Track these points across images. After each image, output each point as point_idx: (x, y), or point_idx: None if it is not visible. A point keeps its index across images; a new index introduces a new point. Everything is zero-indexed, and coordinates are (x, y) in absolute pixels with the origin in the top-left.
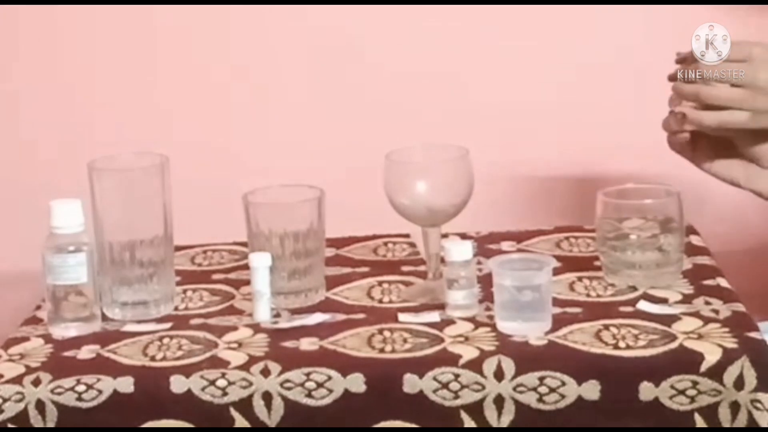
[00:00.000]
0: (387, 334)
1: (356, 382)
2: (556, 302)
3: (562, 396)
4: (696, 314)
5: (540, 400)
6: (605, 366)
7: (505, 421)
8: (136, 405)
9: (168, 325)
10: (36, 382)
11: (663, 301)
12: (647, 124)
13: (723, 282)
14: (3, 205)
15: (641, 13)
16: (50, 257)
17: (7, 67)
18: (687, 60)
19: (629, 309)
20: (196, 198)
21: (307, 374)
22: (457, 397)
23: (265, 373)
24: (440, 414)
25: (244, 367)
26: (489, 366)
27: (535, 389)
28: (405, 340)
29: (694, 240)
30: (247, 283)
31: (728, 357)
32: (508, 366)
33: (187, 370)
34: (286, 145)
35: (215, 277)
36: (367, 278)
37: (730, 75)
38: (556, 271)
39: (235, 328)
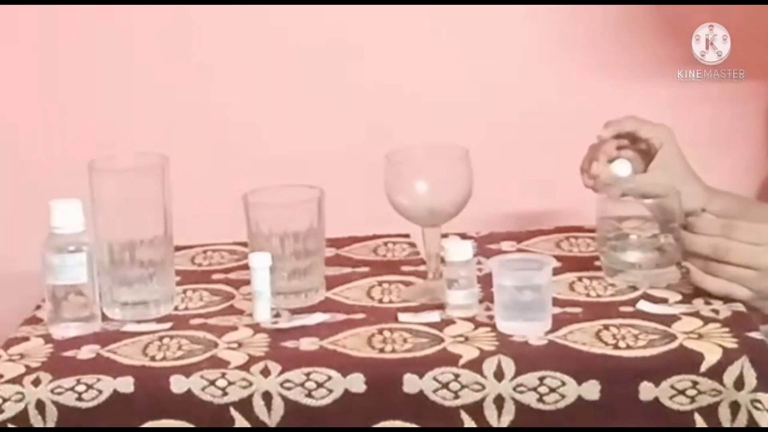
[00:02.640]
0: (387, 334)
1: (356, 382)
2: (556, 302)
3: (562, 396)
4: (696, 314)
5: (540, 400)
6: (605, 366)
7: (505, 421)
8: (136, 405)
9: (168, 325)
10: (36, 382)
11: (663, 301)
12: None
13: None
14: (3, 205)
15: (641, 13)
16: (50, 257)
17: (7, 66)
18: (700, 231)
19: (629, 309)
20: (196, 198)
21: (307, 374)
22: (457, 397)
23: (265, 373)
24: (440, 414)
25: (244, 367)
26: (489, 366)
27: (535, 389)
28: (405, 340)
29: None
30: (247, 283)
31: (728, 357)
32: (508, 366)
33: (187, 370)
34: (286, 145)
35: (215, 277)
36: (367, 278)
37: (747, 260)
38: (556, 271)
39: (235, 328)
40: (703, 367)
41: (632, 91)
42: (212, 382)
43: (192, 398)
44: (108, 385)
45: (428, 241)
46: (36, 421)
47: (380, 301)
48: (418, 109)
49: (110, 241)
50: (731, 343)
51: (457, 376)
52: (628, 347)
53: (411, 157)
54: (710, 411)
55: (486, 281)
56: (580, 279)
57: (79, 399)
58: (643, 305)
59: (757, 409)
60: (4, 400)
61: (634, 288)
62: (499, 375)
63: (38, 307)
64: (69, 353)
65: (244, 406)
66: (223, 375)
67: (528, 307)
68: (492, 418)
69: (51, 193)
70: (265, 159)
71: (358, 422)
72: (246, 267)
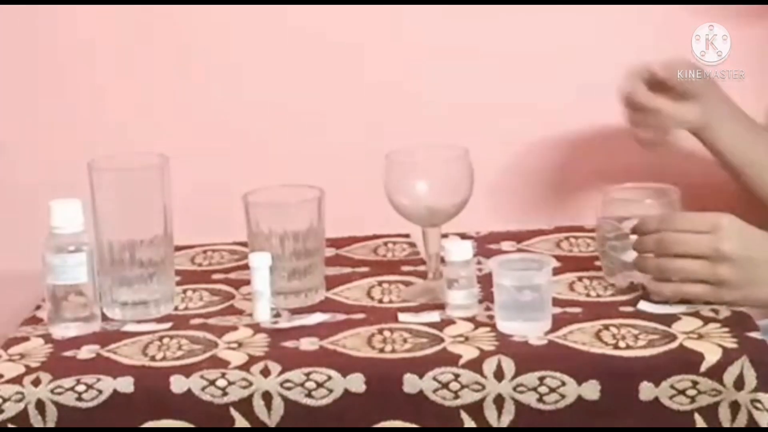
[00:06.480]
0: (387, 334)
1: (356, 382)
2: (556, 302)
3: (562, 396)
4: (696, 314)
5: (540, 400)
6: (605, 366)
7: (505, 421)
8: (136, 405)
9: (168, 325)
10: (36, 382)
11: (663, 301)
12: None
13: None
14: (3, 205)
15: (641, 13)
16: (50, 257)
17: (6, 66)
18: (643, 230)
19: (629, 309)
20: (196, 198)
21: (307, 374)
22: (457, 397)
23: (265, 373)
24: (440, 414)
25: (244, 367)
26: (489, 366)
27: (535, 389)
28: (405, 340)
29: None
30: (247, 283)
31: (728, 357)
32: (508, 366)
33: (187, 370)
34: (286, 145)
35: (215, 277)
36: (367, 278)
37: (692, 247)
38: (556, 271)
39: (235, 328)
40: (703, 367)
41: None
42: (212, 382)
43: (192, 398)
44: (108, 385)
45: (428, 241)
46: (36, 421)
47: (380, 301)
48: (418, 109)
49: (110, 241)
50: (731, 343)
51: (457, 376)
52: (628, 347)
53: (411, 157)
54: (710, 411)
55: (486, 281)
56: (580, 279)
57: (79, 399)
58: (643, 305)
59: (757, 409)
60: (4, 400)
61: (634, 288)
62: (499, 375)
63: (38, 307)
64: (69, 353)
65: (244, 406)
66: (223, 375)
67: (528, 307)
68: (492, 418)
69: (51, 193)
70: (265, 159)
71: (358, 422)
72: (246, 267)
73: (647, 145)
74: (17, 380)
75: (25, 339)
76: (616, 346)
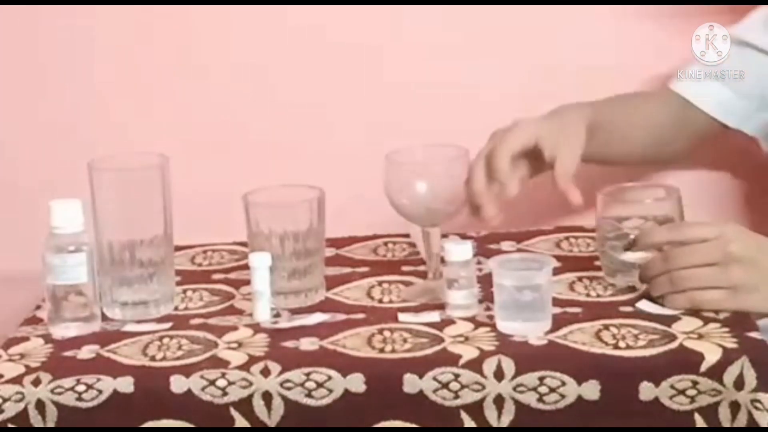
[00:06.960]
0: (387, 334)
1: (356, 382)
2: (556, 302)
3: (562, 396)
4: (696, 314)
5: (540, 400)
6: (605, 366)
7: (505, 421)
8: (136, 405)
9: (168, 325)
10: (36, 382)
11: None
12: None
13: None
14: (3, 205)
15: (641, 13)
16: (50, 257)
17: (6, 66)
18: (649, 241)
19: (629, 309)
20: (196, 198)
21: (307, 374)
22: (457, 397)
23: (265, 373)
24: (440, 414)
25: (244, 367)
26: (489, 366)
27: (535, 389)
28: (405, 340)
29: None
30: (247, 283)
31: (728, 357)
32: (508, 366)
33: (187, 370)
34: (286, 145)
35: (215, 277)
36: (367, 278)
37: (701, 255)
38: (556, 271)
39: (235, 328)
40: (703, 367)
41: (631, 90)
42: (212, 382)
43: (192, 398)
44: (108, 385)
45: (428, 241)
46: (36, 421)
47: (380, 301)
48: (418, 109)
49: (110, 241)
50: (731, 343)
51: (457, 376)
52: (628, 347)
53: (411, 157)
54: (710, 411)
55: (486, 281)
56: (580, 279)
57: (79, 399)
58: (643, 305)
59: (757, 409)
60: (4, 400)
61: (634, 288)
62: (499, 375)
63: (38, 307)
64: (69, 353)
65: (244, 406)
66: (223, 375)
67: (528, 307)
68: (492, 418)
69: (51, 193)
70: (265, 159)
71: (358, 422)
72: (246, 267)
73: (484, 217)
74: (17, 380)
75: (25, 339)
76: (616, 346)
